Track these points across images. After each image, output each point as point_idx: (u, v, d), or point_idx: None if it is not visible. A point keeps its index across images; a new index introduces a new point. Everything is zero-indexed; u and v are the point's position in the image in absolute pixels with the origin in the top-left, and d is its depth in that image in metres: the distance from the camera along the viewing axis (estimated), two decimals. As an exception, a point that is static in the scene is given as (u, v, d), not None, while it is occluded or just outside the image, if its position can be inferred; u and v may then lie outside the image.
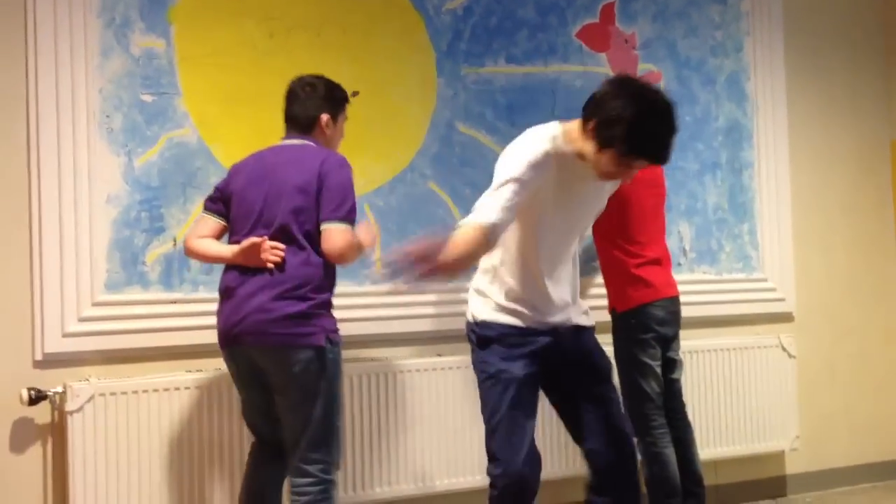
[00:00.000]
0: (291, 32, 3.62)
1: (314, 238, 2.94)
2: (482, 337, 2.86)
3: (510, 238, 2.78)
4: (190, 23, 3.49)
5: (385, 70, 3.77)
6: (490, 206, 2.60)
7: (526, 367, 2.81)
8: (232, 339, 2.95)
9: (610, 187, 2.94)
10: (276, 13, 3.61)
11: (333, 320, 2.99)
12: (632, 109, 2.59)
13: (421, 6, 3.85)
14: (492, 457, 2.81)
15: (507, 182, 2.61)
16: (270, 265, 2.89)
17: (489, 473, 2.82)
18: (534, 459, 2.81)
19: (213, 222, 3.07)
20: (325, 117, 3.11)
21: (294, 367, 2.88)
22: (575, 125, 2.71)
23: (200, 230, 3.07)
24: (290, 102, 3.13)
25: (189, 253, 3.11)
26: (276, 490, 3.13)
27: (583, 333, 2.94)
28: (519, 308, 2.82)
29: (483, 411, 2.87)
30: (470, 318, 2.92)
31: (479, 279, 2.92)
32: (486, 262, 2.85)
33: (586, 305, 3.01)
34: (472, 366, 2.94)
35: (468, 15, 3.93)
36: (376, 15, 3.77)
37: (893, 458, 4.81)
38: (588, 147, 2.67)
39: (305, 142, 3.08)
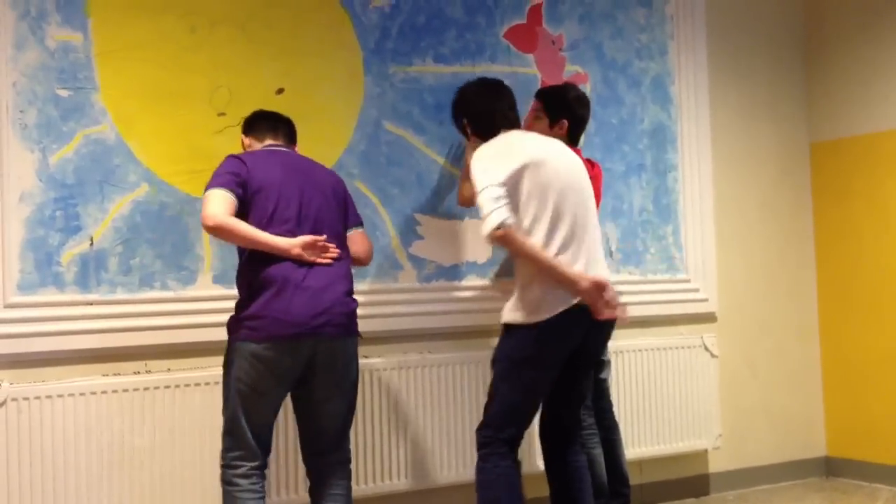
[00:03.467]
0: (215, 27, 3.53)
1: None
2: None
3: None
4: (108, 16, 3.39)
5: (311, 67, 3.71)
6: None
7: None
8: (311, 329, 2.90)
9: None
10: (198, 7, 3.52)
11: None
12: None
13: (348, 3, 3.80)
14: None
15: None
16: (329, 261, 2.98)
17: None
18: None
19: (233, 203, 2.93)
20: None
21: (352, 359, 3.05)
22: None
23: (227, 208, 2.90)
24: (277, 116, 3.24)
25: (220, 229, 2.90)
26: None
27: None
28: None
29: None
30: None
31: None
32: None
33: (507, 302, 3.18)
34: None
35: (395, 13, 3.89)
36: (302, 11, 3.71)
37: (813, 455, 4.92)
38: None
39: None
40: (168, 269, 3.44)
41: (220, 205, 2.89)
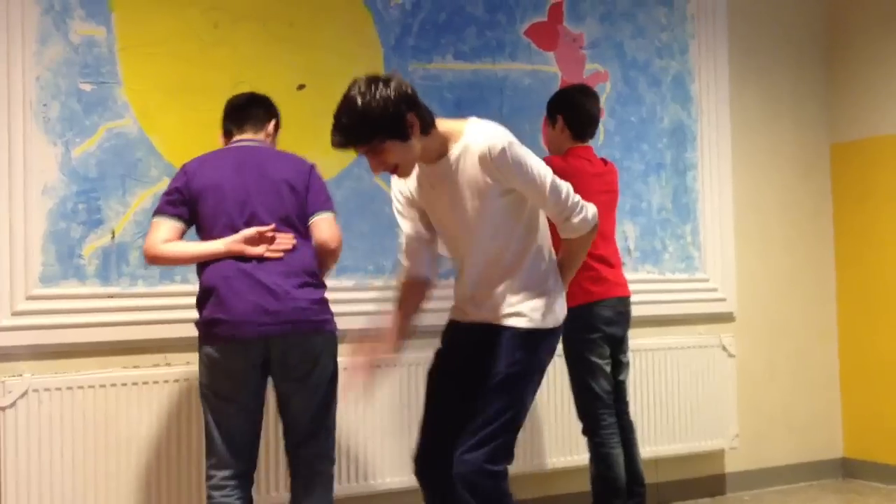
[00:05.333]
0: (237, 23, 3.56)
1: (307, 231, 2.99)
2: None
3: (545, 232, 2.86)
4: (131, 10, 3.42)
5: (332, 64, 3.72)
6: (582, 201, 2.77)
7: None
8: (258, 329, 2.79)
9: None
10: (221, 3, 3.54)
11: None
12: None
13: (369, 0, 3.81)
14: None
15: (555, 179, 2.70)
16: (279, 254, 2.86)
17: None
18: None
19: (174, 226, 2.90)
20: (273, 123, 3.12)
21: (319, 354, 2.90)
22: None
23: (164, 235, 2.89)
24: (242, 106, 3.11)
25: (157, 260, 2.91)
26: None
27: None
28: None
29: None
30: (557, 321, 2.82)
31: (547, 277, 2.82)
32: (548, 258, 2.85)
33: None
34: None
35: (416, 10, 3.90)
36: (324, 8, 3.73)
37: (830, 456, 4.90)
38: None
39: (263, 143, 3.07)
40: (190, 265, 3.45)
41: (155, 234, 2.90)
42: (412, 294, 2.86)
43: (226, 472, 2.87)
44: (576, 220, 2.73)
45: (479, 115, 3.81)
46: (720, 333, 4.48)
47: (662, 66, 4.48)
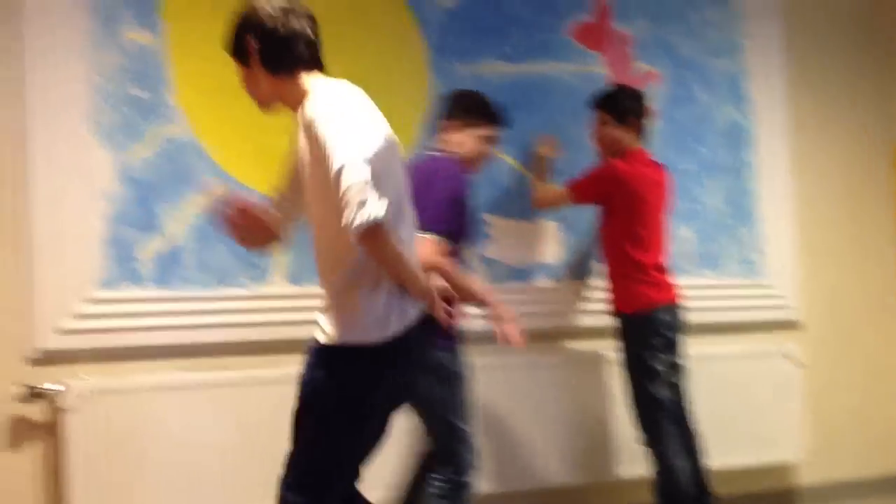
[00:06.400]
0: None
1: None
2: None
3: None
4: (182, 17, 3.50)
5: (377, 67, 3.75)
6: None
7: None
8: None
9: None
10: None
11: None
12: None
13: (414, 2, 3.84)
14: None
15: None
16: None
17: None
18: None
19: None
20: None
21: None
22: None
23: None
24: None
25: None
26: None
27: None
28: None
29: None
30: None
31: None
32: None
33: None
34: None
35: (462, 12, 3.92)
36: (370, 11, 3.78)
37: (905, 469, 4.71)
38: None
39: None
40: (243, 266, 3.50)
41: None
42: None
43: None
44: (349, 217, 2.07)
45: (527, 116, 3.92)
46: (786, 341, 4.36)
47: (715, 65, 4.42)
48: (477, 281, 3.07)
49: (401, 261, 2.19)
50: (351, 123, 2.19)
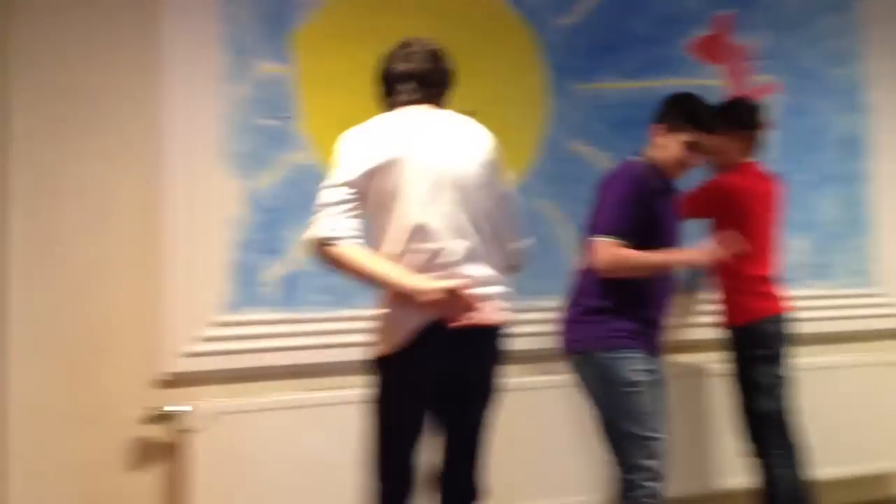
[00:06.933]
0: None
1: None
2: None
3: None
4: (312, 49, 3.52)
5: (498, 88, 3.75)
6: None
7: None
8: None
9: None
10: (393, 37, 3.60)
11: None
12: None
13: (535, 21, 3.82)
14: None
15: None
16: None
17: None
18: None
19: None
20: None
21: None
22: None
23: None
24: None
25: None
26: None
27: None
28: None
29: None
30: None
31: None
32: None
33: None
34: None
35: (581, 30, 3.89)
36: (489, 32, 3.76)
37: None
38: None
39: None
40: (364, 288, 3.52)
41: None
42: None
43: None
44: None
45: (645, 133, 3.89)
46: (897, 350, 4.29)
47: (834, 74, 4.33)
48: (663, 253, 3.09)
49: (362, 271, 2.46)
50: (344, 154, 2.55)
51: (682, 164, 3.17)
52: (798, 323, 3.69)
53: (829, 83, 4.32)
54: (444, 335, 2.48)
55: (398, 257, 2.52)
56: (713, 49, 4.11)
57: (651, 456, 3.05)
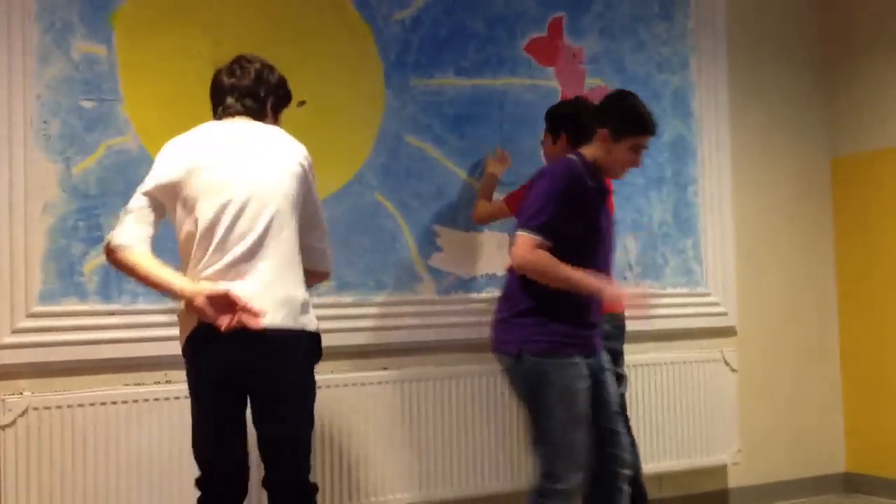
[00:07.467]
0: (238, 41, 3.53)
1: None
2: None
3: None
4: (133, 28, 3.41)
5: (332, 80, 3.72)
6: None
7: None
8: None
9: None
10: (222, 21, 3.54)
11: None
12: None
13: (369, 17, 3.81)
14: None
15: None
16: None
17: None
18: None
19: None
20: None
21: None
22: None
23: None
24: None
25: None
26: None
27: None
28: None
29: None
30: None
31: None
32: None
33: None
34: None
35: (417, 26, 3.90)
36: (324, 25, 3.73)
37: (832, 471, 4.88)
38: None
39: None
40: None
41: None
42: None
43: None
44: None
45: (480, 130, 3.94)
46: (722, 347, 4.46)
47: (663, 80, 4.48)
48: (579, 272, 2.96)
49: (146, 277, 2.59)
50: (156, 162, 2.71)
51: (624, 166, 3.14)
52: (628, 320, 3.76)
53: (657, 89, 4.46)
54: (219, 336, 2.53)
55: (196, 262, 2.62)
56: (547, 51, 4.19)
57: (574, 468, 2.99)
